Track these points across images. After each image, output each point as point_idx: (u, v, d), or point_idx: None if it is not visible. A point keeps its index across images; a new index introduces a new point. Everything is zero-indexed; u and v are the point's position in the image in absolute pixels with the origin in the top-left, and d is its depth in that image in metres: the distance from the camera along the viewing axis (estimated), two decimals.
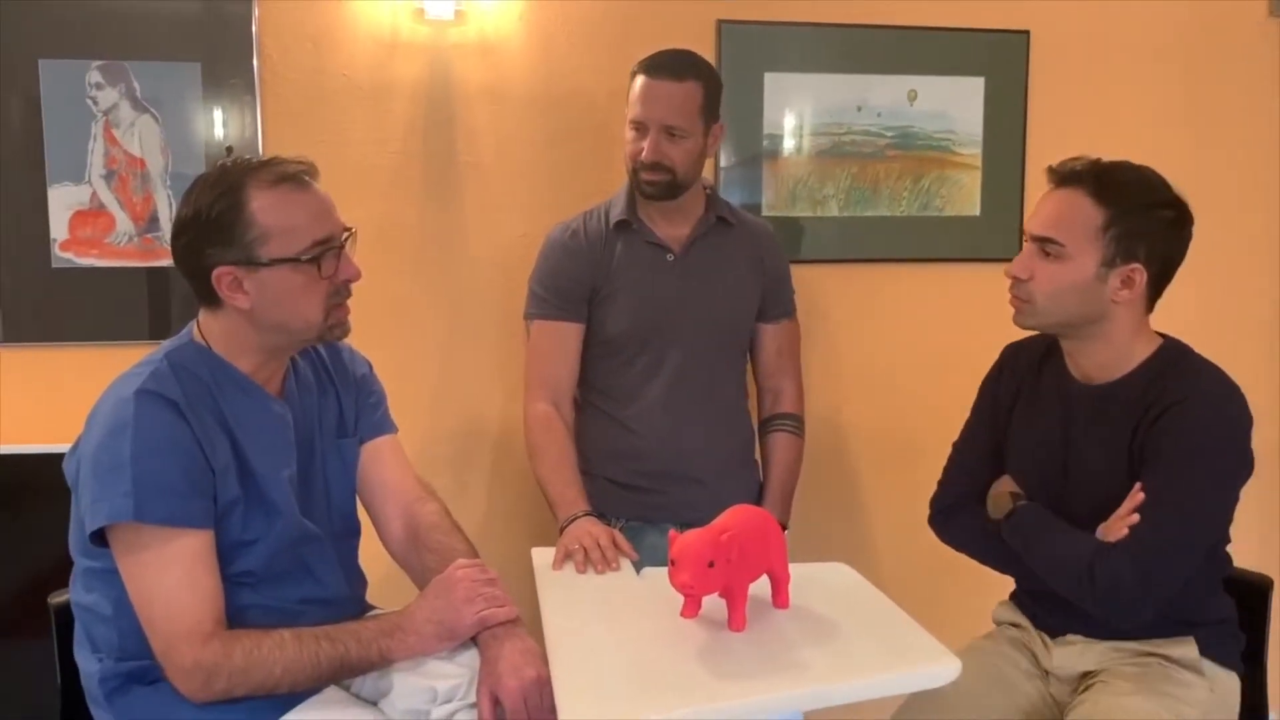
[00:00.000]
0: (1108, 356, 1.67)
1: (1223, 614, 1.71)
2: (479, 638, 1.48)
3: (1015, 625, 1.85)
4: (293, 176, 1.49)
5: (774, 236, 2.30)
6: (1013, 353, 1.87)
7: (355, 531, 1.70)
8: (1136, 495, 1.58)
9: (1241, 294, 2.82)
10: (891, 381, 2.72)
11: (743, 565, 1.43)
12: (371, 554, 1.74)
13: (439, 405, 2.52)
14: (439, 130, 2.44)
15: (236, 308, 1.48)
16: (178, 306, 2.29)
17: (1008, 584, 1.91)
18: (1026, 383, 1.80)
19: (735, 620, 1.45)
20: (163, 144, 2.31)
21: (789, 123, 2.56)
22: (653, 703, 1.24)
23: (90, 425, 1.45)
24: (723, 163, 2.54)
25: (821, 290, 2.63)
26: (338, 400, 1.68)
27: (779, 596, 1.54)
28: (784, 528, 2.21)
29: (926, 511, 2.76)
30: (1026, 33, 2.62)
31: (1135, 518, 1.56)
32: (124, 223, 2.31)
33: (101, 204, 2.30)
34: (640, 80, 2.06)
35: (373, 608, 1.70)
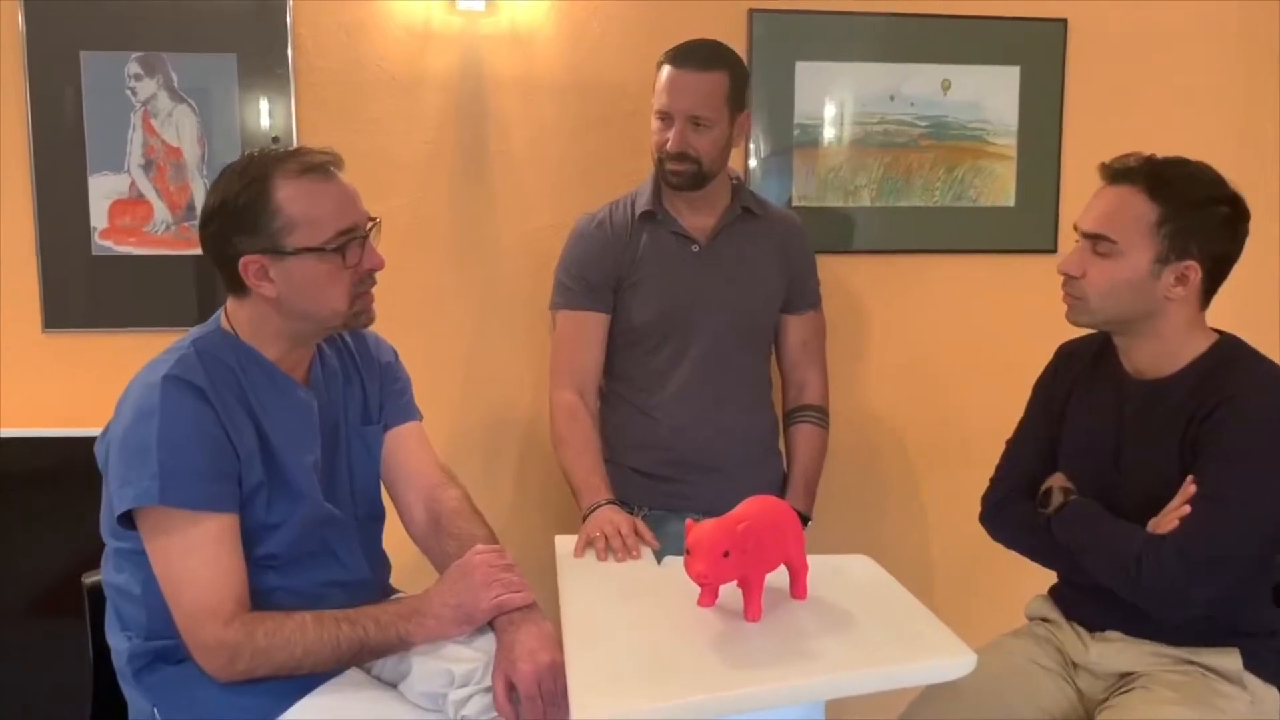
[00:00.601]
0: (1161, 352, 1.66)
1: (1272, 626, 1.68)
2: (496, 623, 1.50)
3: (1047, 620, 1.84)
4: (318, 167, 1.51)
5: (801, 228, 2.29)
6: (1067, 352, 1.86)
7: (379, 516, 1.73)
8: (1188, 488, 1.57)
9: None
10: (921, 374, 2.69)
11: (759, 555, 1.43)
12: (398, 539, 1.77)
13: (468, 393, 2.54)
14: (470, 120, 2.46)
15: (263, 296, 1.51)
16: (214, 294, 2.33)
17: (1040, 580, 1.89)
18: (1081, 380, 1.79)
19: (751, 610, 1.45)
20: (199, 134, 2.35)
21: (821, 112, 2.54)
22: (663, 690, 1.25)
23: (119, 410, 1.49)
24: (753, 152, 2.54)
25: (852, 281, 2.62)
26: (363, 388, 1.70)
27: (796, 587, 1.54)
28: (807, 519, 2.21)
29: (957, 505, 2.75)
30: (1064, 21, 2.58)
31: (1186, 509, 1.55)
32: (161, 211, 2.36)
33: (140, 193, 2.35)
34: (666, 70, 2.06)
35: (396, 592, 1.73)
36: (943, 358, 2.69)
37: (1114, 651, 1.71)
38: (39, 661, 2.26)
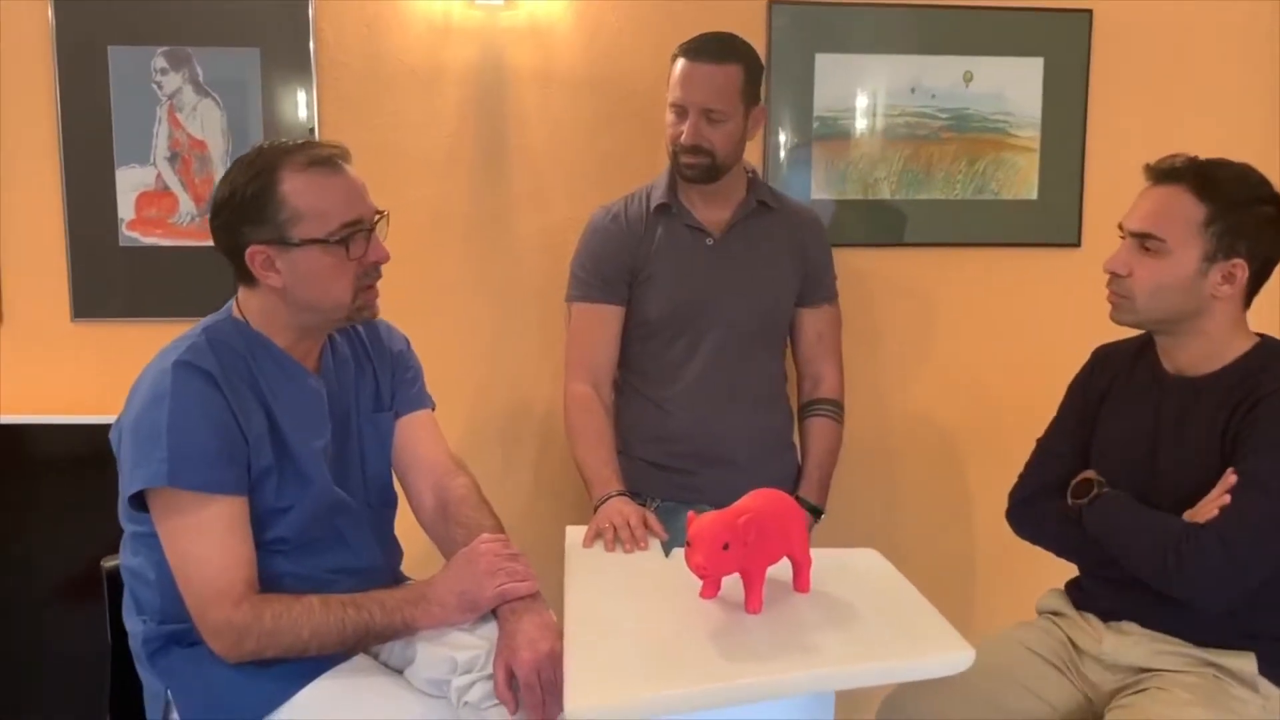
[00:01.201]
0: (1204, 350, 1.67)
1: None
2: (499, 611, 1.52)
3: (1056, 614, 1.83)
4: (325, 160, 1.53)
5: (818, 221, 2.28)
6: (1104, 354, 1.87)
7: (391, 503, 1.75)
8: (1229, 478, 1.57)
9: None
10: (942, 368, 2.68)
11: (760, 548, 1.44)
12: (412, 527, 1.79)
13: (486, 384, 2.56)
14: (489, 114, 2.48)
15: (270, 286, 1.54)
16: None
17: (1058, 577, 1.89)
18: (1119, 380, 1.80)
19: (752, 602, 1.45)
20: (223, 127, 2.39)
21: (840, 105, 2.53)
22: (655, 681, 1.25)
23: (132, 396, 1.52)
24: (772, 145, 2.53)
25: (871, 274, 2.60)
26: (374, 376, 1.72)
27: (800, 580, 1.54)
28: (820, 513, 2.21)
29: (976, 500, 2.74)
30: (1089, 12, 2.55)
31: (1226, 499, 1.56)
32: (186, 203, 2.40)
33: (166, 185, 2.39)
34: (681, 63, 2.06)
35: (407, 579, 1.75)
36: (963, 352, 2.67)
37: (1128, 644, 1.70)
38: (70, 643, 2.32)
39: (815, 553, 1.58)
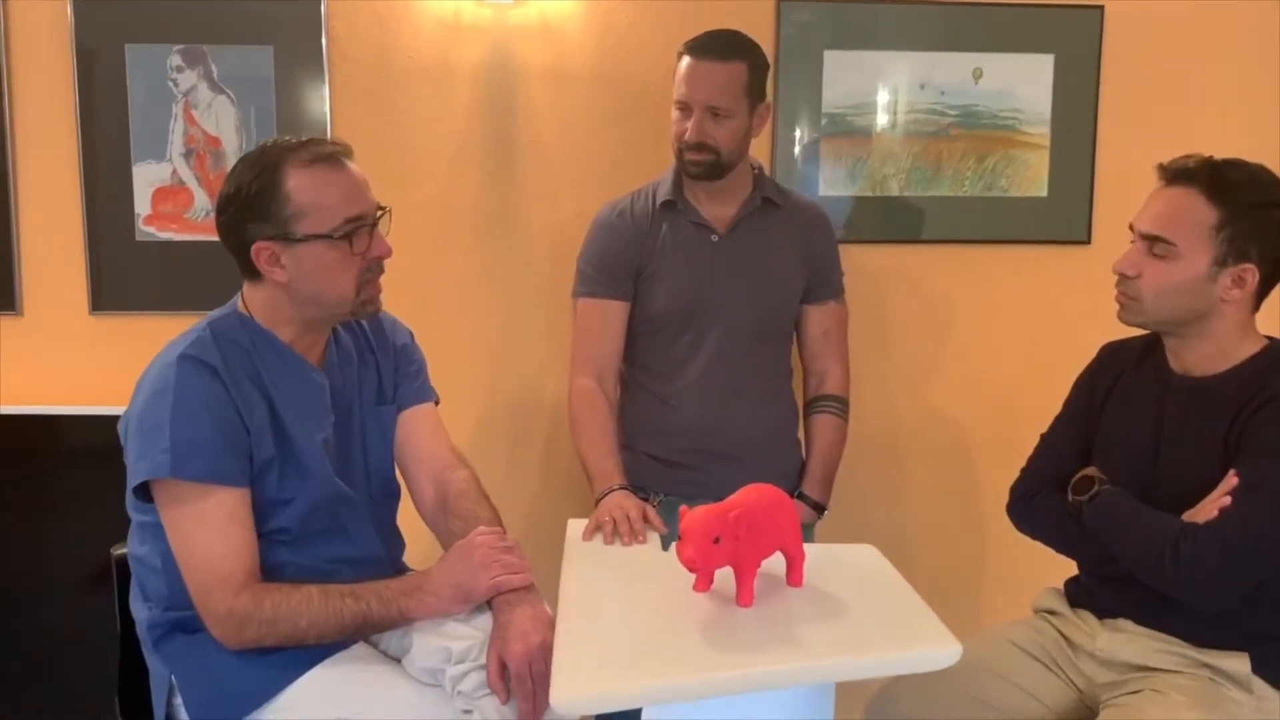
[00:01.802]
0: (1211, 352, 1.66)
1: None
2: (494, 602, 1.54)
3: (1051, 612, 1.84)
4: (328, 157, 1.56)
5: (824, 218, 2.29)
6: (1110, 352, 1.86)
7: (393, 495, 1.78)
8: (1230, 480, 1.57)
9: None
10: (950, 364, 2.67)
11: (751, 542, 1.45)
12: (418, 519, 1.81)
13: (496, 379, 2.59)
14: (500, 111, 2.50)
15: (275, 281, 1.57)
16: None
17: (1064, 575, 1.89)
18: (1124, 378, 1.79)
19: (742, 596, 1.46)
20: (238, 123, 2.43)
21: (849, 101, 2.53)
22: (641, 671, 1.27)
23: (138, 389, 1.56)
24: (780, 141, 2.54)
25: (880, 271, 2.60)
26: (377, 370, 1.75)
27: (793, 574, 1.55)
28: (823, 509, 2.22)
29: (983, 498, 2.73)
30: (1100, 8, 2.53)
31: (1227, 500, 1.55)
32: (201, 198, 2.44)
33: (181, 180, 2.44)
34: (685, 61, 2.08)
35: (409, 570, 1.77)
36: (972, 349, 2.67)
37: (1122, 641, 1.70)
38: (85, 630, 2.37)
39: (813, 548, 1.59)
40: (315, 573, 1.58)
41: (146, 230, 2.44)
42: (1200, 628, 1.64)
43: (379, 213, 1.60)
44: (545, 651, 1.44)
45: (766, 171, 2.32)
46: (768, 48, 2.34)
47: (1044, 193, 2.59)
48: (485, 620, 1.54)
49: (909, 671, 1.45)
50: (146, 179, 2.42)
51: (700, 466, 2.15)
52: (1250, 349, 1.66)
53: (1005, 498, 1.92)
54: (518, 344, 2.58)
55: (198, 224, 2.44)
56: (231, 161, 2.41)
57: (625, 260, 2.17)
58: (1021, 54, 2.53)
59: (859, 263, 2.51)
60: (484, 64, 2.48)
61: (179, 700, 1.57)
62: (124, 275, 2.46)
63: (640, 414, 2.21)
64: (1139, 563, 1.63)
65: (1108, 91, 2.57)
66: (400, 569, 1.75)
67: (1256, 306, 1.68)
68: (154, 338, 2.44)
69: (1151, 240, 1.64)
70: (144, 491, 1.53)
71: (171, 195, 2.44)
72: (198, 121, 2.42)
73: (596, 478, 2.03)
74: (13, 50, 2.37)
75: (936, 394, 2.68)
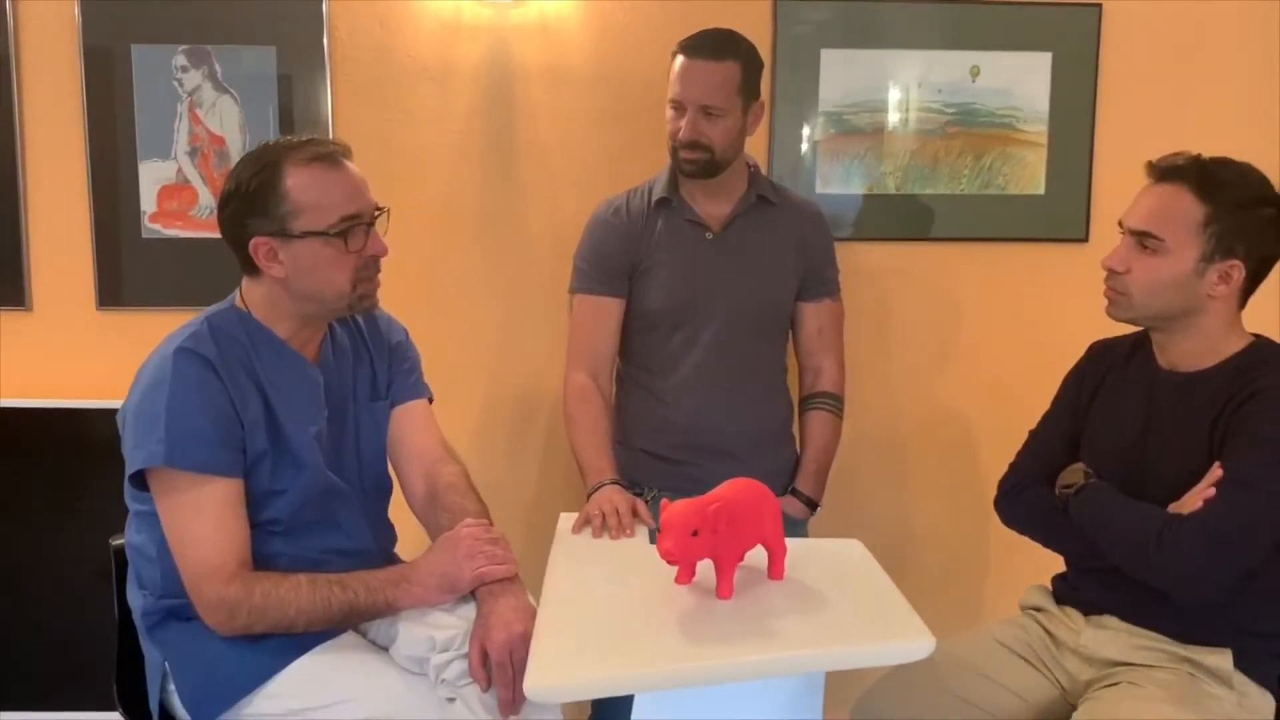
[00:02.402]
0: (1198, 347, 1.68)
1: (1271, 629, 1.66)
2: (478, 592, 1.56)
3: (1037, 609, 1.85)
4: (326, 155, 1.59)
5: (820, 215, 2.30)
6: (1100, 348, 1.88)
7: (385, 489, 1.81)
8: (1215, 472, 1.58)
9: None
10: (949, 362, 2.68)
11: (731, 535, 1.47)
12: (410, 512, 1.84)
13: (496, 376, 2.61)
14: (500, 110, 2.53)
15: (273, 276, 1.60)
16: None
17: (1049, 572, 1.90)
18: (1112, 374, 1.81)
19: (722, 588, 1.48)
20: (241, 122, 2.47)
21: (846, 100, 2.54)
22: (614, 661, 1.29)
23: (136, 381, 1.60)
24: (778, 139, 2.55)
25: (877, 269, 2.61)
26: (371, 366, 1.78)
27: (774, 568, 1.57)
28: (816, 505, 2.23)
29: (981, 494, 2.73)
30: (1099, 6, 2.53)
31: (1211, 492, 1.57)
32: (205, 196, 2.48)
33: (186, 179, 2.48)
34: (679, 60, 2.10)
35: (400, 561, 1.80)
36: (971, 346, 2.67)
37: (1106, 637, 1.71)
38: (85, 619, 2.42)
39: (799, 542, 1.61)
40: (307, 563, 1.61)
41: (152, 227, 2.48)
42: (1186, 624, 1.64)
43: (377, 212, 1.63)
44: (526, 640, 1.46)
45: (763, 169, 2.34)
46: (765, 46, 2.36)
47: (1041, 190, 2.59)
48: (470, 610, 1.57)
49: (883, 663, 1.47)
50: (152, 177, 2.47)
51: (695, 462, 2.17)
52: (1236, 345, 1.68)
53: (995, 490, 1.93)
54: (518, 342, 2.61)
55: (202, 221, 2.48)
56: (235, 160, 2.46)
57: (621, 257, 2.19)
58: (1019, 52, 2.53)
59: (856, 261, 2.52)
60: (484, 63, 2.51)
61: (173, 686, 1.60)
62: (130, 272, 2.50)
63: (636, 410, 2.23)
64: (1124, 555, 1.64)
65: (1105, 90, 2.57)
66: (391, 560, 1.78)
67: (1243, 303, 1.69)
68: (159, 333, 2.45)
69: (1140, 236, 1.66)
70: (140, 480, 1.57)
71: (177, 193, 2.48)
72: (202, 120, 2.46)
73: (588, 472, 2.06)
74: (22, 50, 2.42)
75: (936, 391, 2.69)
